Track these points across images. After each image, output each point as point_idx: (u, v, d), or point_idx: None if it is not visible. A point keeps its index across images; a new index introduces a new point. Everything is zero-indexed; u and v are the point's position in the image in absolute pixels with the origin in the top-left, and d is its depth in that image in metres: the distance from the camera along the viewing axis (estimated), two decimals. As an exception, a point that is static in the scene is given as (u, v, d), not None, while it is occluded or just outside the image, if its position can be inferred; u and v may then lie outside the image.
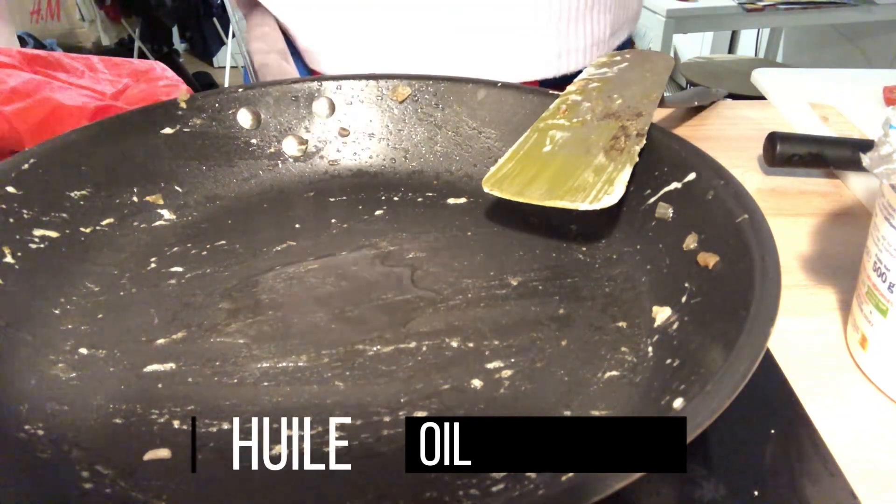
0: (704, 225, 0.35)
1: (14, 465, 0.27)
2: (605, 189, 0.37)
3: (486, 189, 0.40)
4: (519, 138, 0.43)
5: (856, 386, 0.34)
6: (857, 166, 0.49)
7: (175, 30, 2.94)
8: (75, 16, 2.50)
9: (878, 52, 2.18)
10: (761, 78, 0.68)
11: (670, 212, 0.38)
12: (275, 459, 0.28)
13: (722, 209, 0.34)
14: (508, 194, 0.39)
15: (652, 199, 0.39)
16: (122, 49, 2.68)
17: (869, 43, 2.22)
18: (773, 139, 0.51)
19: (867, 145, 0.46)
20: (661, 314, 0.34)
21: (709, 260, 0.33)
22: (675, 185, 0.38)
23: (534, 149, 0.42)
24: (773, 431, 0.30)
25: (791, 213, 0.48)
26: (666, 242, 0.37)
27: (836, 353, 0.36)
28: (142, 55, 2.61)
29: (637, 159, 0.39)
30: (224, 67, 2.68)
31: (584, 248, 0.40)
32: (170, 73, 0.57)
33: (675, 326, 0.32)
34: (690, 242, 0.35)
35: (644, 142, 0.40)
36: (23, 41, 2.07)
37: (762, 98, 0.67)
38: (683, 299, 0.33)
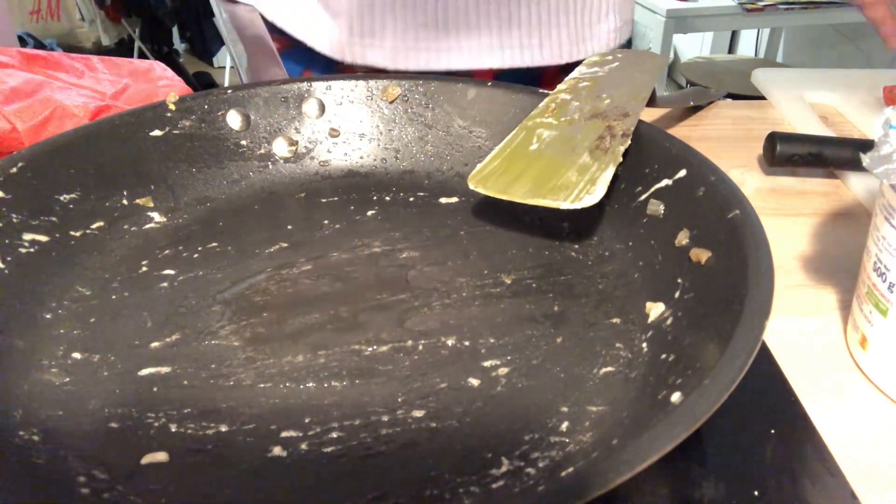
0: (696, 221, 0.35)
1: (9, 472, 0.26)
2: (587, 188, 0.38)
3: (471, 186, 0.40)
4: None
5: (856, 386, 0.34)
6: (857, 166, 0.49)
7: (175, 30, 2.92)
8: (75, 16, 2.47)
9: (878, 52, 2.19)
10: (761, 78, 0.69)
11: (662, 208, 0.38)
12: (273, 461, 0.28)
13: (713, 205, 0.34)
14: (493, 191, 0.40)
15: (643, 197, 0.39)
16: (122, 49, 2.65)
17: (869, 43, 2.23)
18: (773, 139, 0.51)
19: (867, 145, 0.47)
20: (655, 310, 0.34)
21: (701, 255, 0.33)
22: (666, 181, 0.38)
23: (520, 147, 0.42)
24: (773, 431, 0.30)
25: (791, 213, 0.48)
26: (658, 239, 0.37)
27: (836, 353, 0.36)
28: (142, 55, 2.59)
29: (621, 159, 0.39)
30: (224, 67, 2.66)
31: (576, 246, 0.40)
32: (170, 73, 0.57)
33: (668, 322, 0.32)
34: (682, 238, 0.35)
35: (629, 142, 0.40)
36: (23, 41, 2.04)
37: (762, 98, 0.67)
38: (677, 295, 0.33)
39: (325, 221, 0.43)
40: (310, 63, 0.67)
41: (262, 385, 0.31)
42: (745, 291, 0.28)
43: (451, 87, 0.49)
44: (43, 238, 0.38)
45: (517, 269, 0.39)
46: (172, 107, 0.46)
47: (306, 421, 0.29)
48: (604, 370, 0.32)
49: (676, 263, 0.35)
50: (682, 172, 0.38)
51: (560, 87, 0.47)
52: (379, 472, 0.27)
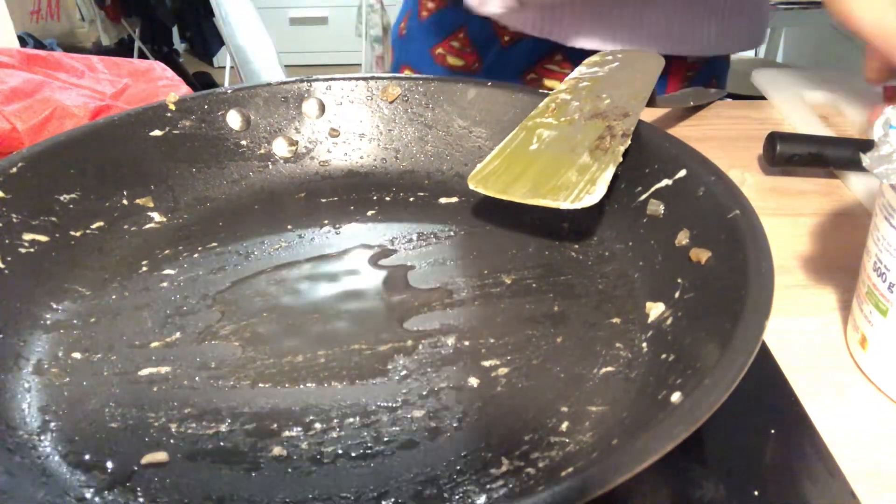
0: (696, 221, 0.35)
1: (9, 472, 0.26)
2: (587, 188, 0.38)
3: (471, 186, 0.40)
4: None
5: (856, 386, 0.34)
6: (857, 166, 0.49)
7: (175, 30, 2.92)
8: (75, 16, 2.47)
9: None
10: (761, 78, 0.69)
11: (662, 208, 0.38)
12: (273, 460, 0.28)
13: (713, 205, 0.34)
14: (493, 191, 0.40)
15: (643, 196, 0.39)
16: (122, 49, 2.65)
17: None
18: (773, 139, 0.51)
19: (867, 145, 0.47)
20: (655, 310, 0.34)
21: (701, 255, 0.33)
22: (666, 181, 0.38)
23: (520, 147, 0.42)
24: (773, 431, 0.30)
25: (791, 213, 0.48)
26: (658, 239, 0.37)
27: (836, 353, 0.36)
28: (142, 55, 2.59)
29: (621, 159, 0.39)
30: (224, 67, 2.66)
31: (576, 246, 0.40)
32: (170, 73, 0.57)
33: (668, 322, 0.32)
34: (682, 238, 0.35)
35: (629, 142, 0.40)
36: (23, 41, 2.04)
37: (762, 98, 0.67)
38: (677, 295, 0.33)
39: (325, 221, 0.43)
40: (465, 21, 0.68)
41: (261, 385, 0.31)
42: (745, 291, 0.28)
43: (451, 87, 0.49)
44: (43, 238, 0.38)
45: (517, 269, 0.39)
46: (172, 107, 0.46)
47: (306, 421, 0.29)
48: (604, 370, 0.32)
49: (676, 263, 0.35)
50: (682, 172, 0.38)
51: (560, 87, 0.47)
52: (379, 472, 0.27)
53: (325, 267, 0.39)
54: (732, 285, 0.29)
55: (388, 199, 0.46)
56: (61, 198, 0.40)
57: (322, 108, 0.49)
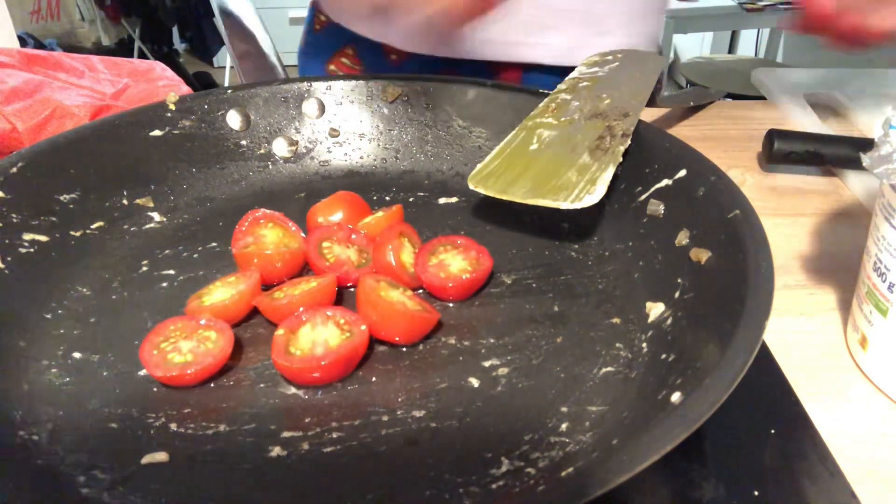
0: (696, 221, 0.35)
1: (9, 472, 0.26)
2: (588, 188, 0.38)
3: (471, 186, 0.40)
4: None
5: (856, 386, 0.34)
6: (855, 164, 0.49)
7: (175, 30, 2.92)
8: (75, 16, 2.48)
9: (878, 52, 2.18)
10: (761, 78, 0.69)
11: (662, 208, 0.38)
12: (273, 461, 0.28)
13: (713, 205, 0.34)
14: (493, 192, 0.40)
15: (643, 197, 0.39)
16: (122, 49, 2.66)
17: (869, 42, 2.22)
18: (770, 136, 0.51)
19: (866, 144, 0.47)
20: (655, 310, 0.34)
21: (701, 255, 0.33)
22: (666, 181, 0.38)
23: (521, 147, 0.42)
24: (773, 431, 0.30)
25: (791, 212, 0.48)
26: (658, 239, 0.37)
27: (836, 353, 0.36)
28: (142, 55, 2.59)
29: (621, 159, 0.39)
30: (224, 67, 2.66)
31: (576, 246, 0.40)
32: (170, 73, 0.57)
33: (668, 322, 0.32)
34: (682, 238, 0.35)
35: (629, 142, 0.40)
36: (23, 41, 2.04)
37: (762, 98, 0.67)
38: (677, 295, 0.33)
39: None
40: (352, 37, 0.66)
41: (261, 385, 0.31)
42: (745, 291, 0.28)
43: (451, 88, 0.49)
44: (43, 238, 0.38)
45: (517, 269, 0.39)
46: (172, 107, 0.46)
47: (306, 421, 0.29)
48: (604, 370, 0.32)
49: (676, 263, 0.35)
50: (682, 172, 0.38)
51: (560, 87, 0.47)
52: (379, 472, 0.27)
53: (325, 267, 0.39)
54: (732, 285, 0.29)
55: (388, 199, 0.46)
56: (61, 198, 0.40)
57: (322, 108, 0.49)
